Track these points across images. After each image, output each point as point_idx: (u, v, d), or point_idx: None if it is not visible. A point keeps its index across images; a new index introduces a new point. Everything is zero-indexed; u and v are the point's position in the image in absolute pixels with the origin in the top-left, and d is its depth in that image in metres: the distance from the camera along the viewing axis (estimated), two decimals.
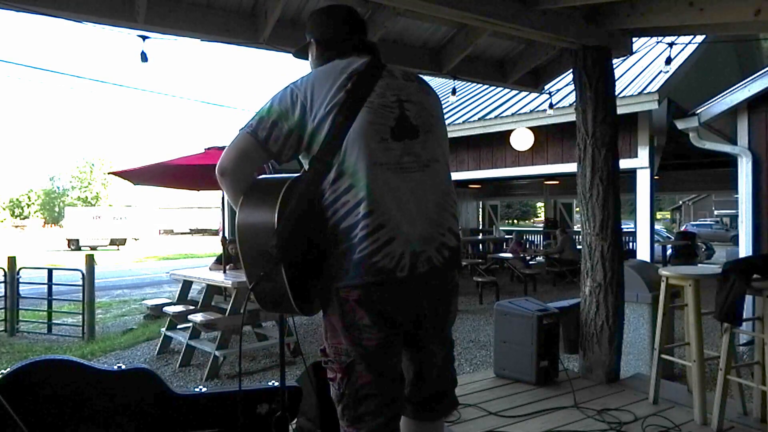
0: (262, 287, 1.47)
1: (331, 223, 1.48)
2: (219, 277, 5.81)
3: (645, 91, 6.10)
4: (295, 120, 1.49)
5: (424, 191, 1.55)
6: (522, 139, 7.46)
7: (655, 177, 6.82)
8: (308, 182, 1.48)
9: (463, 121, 8.15)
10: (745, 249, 5.69)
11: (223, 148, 1.58)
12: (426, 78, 1.77)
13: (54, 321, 8.16)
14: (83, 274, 7.55)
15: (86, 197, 53.44)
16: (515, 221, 46.52)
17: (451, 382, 1.76)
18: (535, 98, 7.45)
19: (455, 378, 1.78)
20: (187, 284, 6.75)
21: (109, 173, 19.07)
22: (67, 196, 55.42)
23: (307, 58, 1.79)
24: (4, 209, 54.79)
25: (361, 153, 1.46)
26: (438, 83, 9.86)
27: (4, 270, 7.96)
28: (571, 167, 5.92)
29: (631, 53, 3.93)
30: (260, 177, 1.58)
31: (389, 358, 1.56)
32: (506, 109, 7.89)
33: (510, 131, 7.54)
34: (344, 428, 1.57)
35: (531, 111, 7.34)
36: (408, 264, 1.48)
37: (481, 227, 18.76)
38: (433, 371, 1.68)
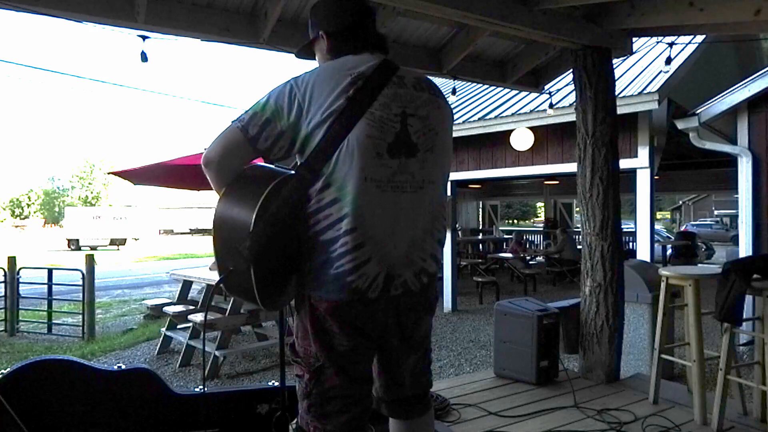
0: (230, 279, 1.46)
1: (311, 233, 1.43)
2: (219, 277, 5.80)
3: (645, 91, 6.09)
4: (290, 122, 1.40)
5: (413, 213, 1.49)
6: (522, 139, 7.45)
7: (655, 177, 6.81)
8: (293, 189, 1.41)
9: (463, 121, 8.14)
10: (745, 249, 5.70)
11: None
12: None
13: (54, 321, 8.17)
14: (83, 274, 7.56)
15: (86, 197, 53.49)
16: (515, 221, 46.52)
17: (426, 385, 1.73)
18: (535, 98, 7.44)
19: (431, 381, 1.76)
20: (187, 284, 6.75)
21: (109, 173, 19.05)
22: (68, 196, 55.46)
23: (310, 58, 1.69)
24: (4, 209, 54.78)
25: (353, 167, 1.39)
26: (438, 83, 9.85)
27: (4, 270, 7.97)
28: (571, 167, 5.92)
29: (631, 53, 3.93)
30: (249, 166, 1.51)
31: (359, 363, 1.53)
32: (506, 109, 7.88)
33: (510, 131, 7.53)
34: (308, 421, 1.53)
35: (531, 111, 7.33)
36: (381, 285, 1.44)
37: (481, 227, 18.79)
38: (405, 377, 1.65)
